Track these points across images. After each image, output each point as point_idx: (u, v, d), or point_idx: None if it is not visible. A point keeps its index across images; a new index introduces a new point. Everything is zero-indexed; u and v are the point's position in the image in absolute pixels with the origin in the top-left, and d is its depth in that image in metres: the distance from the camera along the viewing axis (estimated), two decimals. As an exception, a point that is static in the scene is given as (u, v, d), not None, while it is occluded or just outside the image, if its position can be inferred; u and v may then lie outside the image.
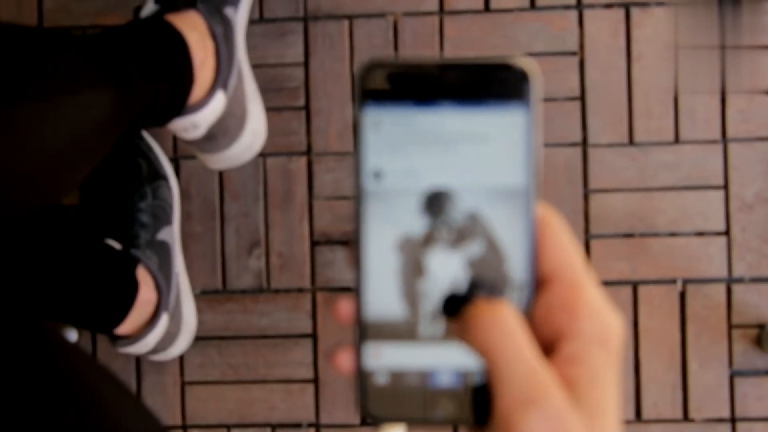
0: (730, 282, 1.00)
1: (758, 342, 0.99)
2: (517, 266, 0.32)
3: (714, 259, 0.99)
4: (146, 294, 0.92)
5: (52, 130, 0.62)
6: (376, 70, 0.33)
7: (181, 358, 1.03)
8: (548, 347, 0.32)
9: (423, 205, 0.33)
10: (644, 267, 1.00)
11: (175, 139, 1.03)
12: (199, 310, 1.03)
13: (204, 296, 1.03)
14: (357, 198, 0.33)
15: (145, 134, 1.00)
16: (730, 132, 0.99)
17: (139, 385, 1.04)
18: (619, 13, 1.00)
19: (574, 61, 1.00)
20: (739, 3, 0.97)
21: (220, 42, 0.84)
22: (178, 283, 0.98)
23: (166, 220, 0.98)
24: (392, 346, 0.33)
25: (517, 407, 0.30)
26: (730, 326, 0.99)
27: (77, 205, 1.01)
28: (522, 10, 1.01)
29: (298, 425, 1.02)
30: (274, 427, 1.03)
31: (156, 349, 0.97)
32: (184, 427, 1.03)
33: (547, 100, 1.00)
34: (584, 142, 1.00)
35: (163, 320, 0.94)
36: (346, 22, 1.02)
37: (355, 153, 0.33)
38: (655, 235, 1.00)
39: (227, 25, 0.87)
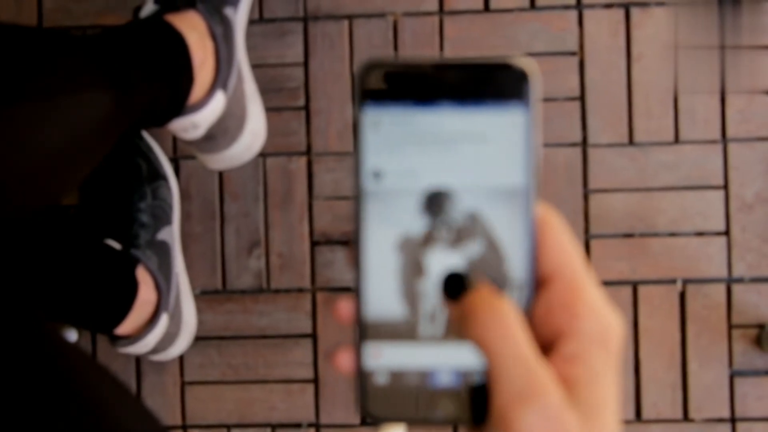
0: (730, 282, 1.00)
1: (758, 342, 0.99)
2: (516, 266, 0.32)
3: (714, 259, 0.99)
4: (146, 294, 0.92)
5: (52, 130, 0.62)
6: (376, 70, 0.33)
7: (181, 358, 1.03)
8: (548, 347, 0.32)
9: (422, 204, 0.33)
10: (644, 267, 1.00)
11: (174, 139, 1.03)
12: (199, 310, 1.03)
13: (204, 296, 1.03)
14: (356, 198, 0.33)
15: (145, 134, 1.00)
16: (730, 132, 0.99)
17: (139, 385, 1.04)
18: (618, 13, 1.00)
19: (574, 61, 1.00)
20: (739, 3, 0.97)
21: (220, 42, 0.84)
22: (178, 283, 0.98)
23: (166, 220, 0.98)
24: (392, 346, 0.33)
25: (514, 403, 0.30)
26: (730, 326, 0.99)
27: (77, 205, 1.01)
28: (522, 10, 1.01)
29: (298, 425, 1.02)
30: (274, 427, 1.03)
31: (156, 349, 0.97)
32: (184, 427, 1.03)
33: (546, 100, 1.00)
34: (584, 142, 1.00)
35: (163, 320, 0.94)
36: (345, 22, 1.02)
37: (354, 153, 0.33)
38: (655, 235, 1.00)
39: (227, 25, 0.87)
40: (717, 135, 1.00)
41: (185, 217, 1.03)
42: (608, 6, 1.00)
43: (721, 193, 1.00)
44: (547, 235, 0.33)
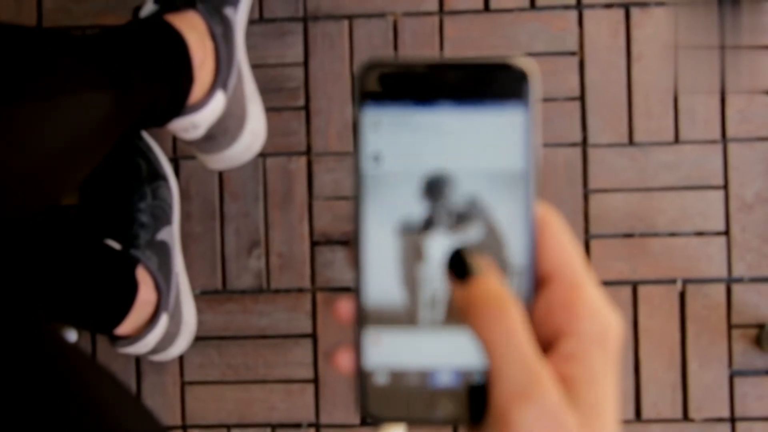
0: (729, 282, 1.00)
1: (758, 342, 0.99)
2: (516, 252, 0.32)
3: (714, 259, 0.99)
4: (146, 294, 0.92)
5: (52, 130, 0.62)
6: (376, 70, 0.33)
7: (181, 359, 1.03)
8: (547, 346, 0.32)
9: (422, 189, 0.33)
10: (644, 267, 1.00)
11: (174, 139, 1.03)
12: (199, 311, 1.03)
13: (204, 296, 1.03)
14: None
15: (145, 134, 1.00)
16: (730, 132, 0.99)
17: (138, 385, 1.04)
18: (618, 13, 1.00)
19: (574, 61, 1.00)
20: (739, 3, 0.97)
21: (220, 42, 0.84)
22: (178, 283, 0.98)
23: (166, 221, 0.98)
24: (392, 332, 0.33)
25: (513, 402, 0.30)
26: (730, 326, 0.99)
27: (77, 205, 1.01)
28: (522, 10, 1.01)
29: (298, 425, 1.02)
30: (274, 427, 1.03)
31: (156, 350, 0.97)
32: (184, 427, 1.03)
33: (546, 100, 1.00)
34: (584, 142, 1.00)
35: (163, 320, 0.94)
36: (345, 22, 1.02)
37: (354, 153, 0.33)
38: (655, 235, 1.00)
39: (227, 26, 0.87)
40: (717, 135, 1.00)
41: (185, 217, 1.03)
42: (608, 6, 1.00)
43: (721, 193, 1.00)
44: (547, 235, 0.33)
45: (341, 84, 1.02)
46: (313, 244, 1.02)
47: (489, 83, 0.32)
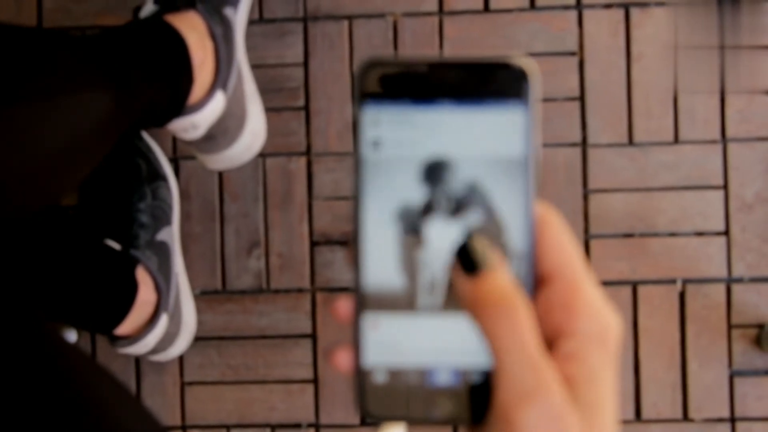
0: (729, 282, 1.00)
1: (758, 342, 0.99)
2: (516, 238, 0.32)
3: (714, 259, 0.99)
4: (146, 294, 0.92)
5: (52, 130, 0.62)
6: (376, 69, 0.33)
7: (181, 359, 1.03)
8: (547, 345, 0.32)
9: (422, 174, 0.33)
10: (644, 267, 1.00)
11: (174, 139, 1.03)
12: (199, 311, 1.03)
13: (203, 296, 1.03)
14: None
15: (145, 135, 1.00)
16: (730, 132, 0.99)
17: (138, 385, 1.04)
18: (618, 14, 1.00)
19: (574, 61, 1.00)
20: (739, 3, 0.97)
21: (220, 42, 0.84)
22: (178, 283, 0.98)
23: (166, 221, 0.98)
24: (390, 317, 0.33)
25: (517, 401, 0.30)
26: (730, 326, 0.99)
27: (77, 205, 1.01)
28: (521, 10, 1.01)
29: (297, 425, 1.02)
30: (273, 427, 1.03)
31: (155, 350, 0.97)
32: (184, 427, 1.03)
33: (546, 100, 1.00)
34: (584, 142, 1.00)
35: (163, 321, 0.94)
36: (345, 23, 1.02)
37: (354, 153, 0.33)
38: (655, 235, 1.00)
39: (227, 26, 0.87)
40: (717, 135, 1.00)
41: (185, 217, 1.03)
42: (608, 6, 1.01)
43: (720, 193, 1.00)
44: (546, 235, 0.33)
45: (341, 84, 1.02)
46: (313, 244, 1.02)
47: (489, 82, 0.32)
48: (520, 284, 0.32)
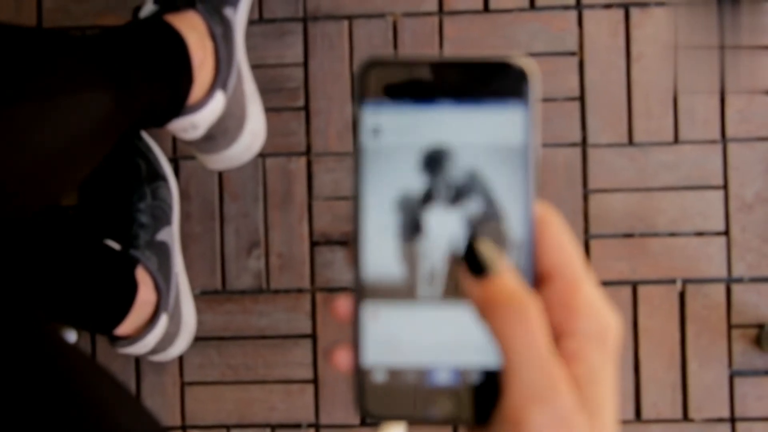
0: (729, 282, 1.00)
1: (758, 342, 0.99)
2: (516, 226, 0.32)
3: (714, 259, 0.99)
4: (145, 294, 0.92)
5: (52, 130, 0.62)
6: (376, 68, 0.33)
7: (181, 359, 1.03)
8: (548, 345, 0.32)
9: (421, 163, 0.32)
10: (644, 267, 1.00)
11: (174, 139, 1.03)
12: (199, 311, 1.03)
13: (203, 297, 1.03)
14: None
15: (145, 135, 1.00)
16: (730, 132, 0.99)
17: (138, 385, 1.04)
18: (618, 14, 1.00)
19: (574, 61, 1.00)
20: (739, 3, 0.97)
21: (220, 42, 0.84)
22: (178, 283, 0.98)
23: (166, 221, 0.98)
24: (390, 307, 0.33)
25: (527, 402, 0.30)
26: (730, 326, 0.99)
27: (76, 205, 1.01)
28: (521, 10, 1.01)
29: (297, 426, 1.02)
30: (273, 427, 1.03)
31: (155, 350, 0.97)
32: (184, 427, 1.03)
33: (546, 100, 1.00)
34: (584, 143, 1.00)
35: (163, 321, 0.94)
36: (345, 23, 1.02)
37: (354, 153, 0.33)
38: (655, 235, 1.00)
39: (226, 26, 0.87)
40: (717, 135, 1.00)
41: (185, 217, 1.03)
42: (608, 6, 1.01)
43: (720, 193, 1.00)
44: (546, 234, 0.33)
45: (341, 84, 1.02)
46: (313, 244, 1.02)
47: (489, 82, 0.32)
48: (521, 269, 0.32)
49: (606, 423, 0.31)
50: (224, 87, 0.85)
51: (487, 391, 0.32)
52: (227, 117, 0.87)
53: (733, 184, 0.99)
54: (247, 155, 0.95)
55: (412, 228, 0.33)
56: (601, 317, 0.32)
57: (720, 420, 0.99)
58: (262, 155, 1.01)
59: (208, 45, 0.83)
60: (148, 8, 0.84)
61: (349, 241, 0.33)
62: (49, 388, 0.54)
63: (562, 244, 0.33)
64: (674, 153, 1.00)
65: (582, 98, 1.00)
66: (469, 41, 1.01)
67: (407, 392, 0.33)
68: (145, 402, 1.03)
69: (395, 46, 1.01)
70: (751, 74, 0.99)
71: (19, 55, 0.63)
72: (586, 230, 1.00)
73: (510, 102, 0.32)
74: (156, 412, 0.78)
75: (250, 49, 0.98)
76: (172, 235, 0.98)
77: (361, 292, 0.33)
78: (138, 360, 1.04)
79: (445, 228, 0.32)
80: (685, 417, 1.00)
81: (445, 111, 0.32)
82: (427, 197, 0.32)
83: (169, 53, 0.77)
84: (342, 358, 0.33)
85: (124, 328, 0.91)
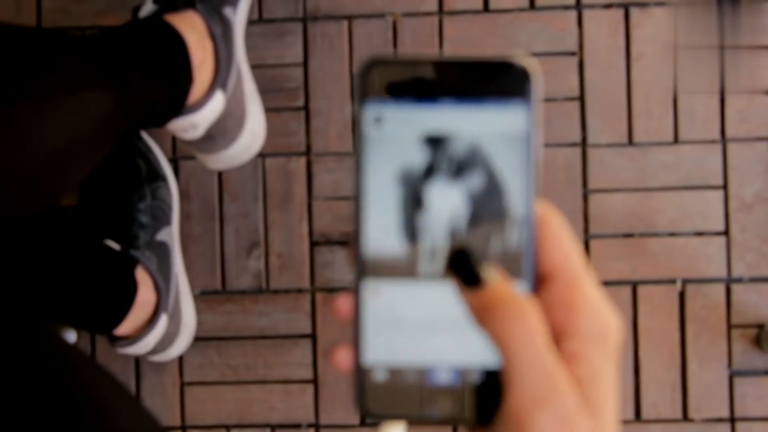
0: (729, 282, 1.00)
1: (757, 342, 0.99)
2: (517, 202, 0.32)
3: (713, 259, 0.99)
4: (145, 295, 0.92)
5: (52, 130, 0.62)
6: (378, 68, 0.32)
7: (181, 359, 1.03)
8: (549, 345, 0.32)
9: (423, 140, 0.32)
10: (644, 267, 1.00)
11: (174, 139, 1.03)
12: (199, 311, 1.03)
13: (203, 297, 1.03)
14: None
15: (144, 135, 1.00)
16: (730, 132, 0.99)
17: (138, 385, 1.04)
18: (618, 14, 1.00)
19: (574, 61, 1.00)
20: (739, 3, 0.97)
21: (219, 42, 0.84)
22: (178, 283, 0.98)
23: (166, 221, 0.98)
24: (391, 284, 0.33)
25: (530, 405, 0.30)
26: (730, 326, 0.99)
27: (76, 205, 1.01)
28: (521, 10, 1.01)
29: (297, 426, 1.02)
30: (273, 427, 1.03)
31: (155, 350, 0.96)
32: (184, 427, 1.03)
33: (546, 100, 1.00)
34: (583, 143, 1.00)
35: (163, 321, 0.94)
36: (345, 23, 1.02)
37: (355, 153, 0.33)
38: (655, 235, 1.00)
39: (226, 26, 0.87)
40: (716, 135, 1.00)
41: (185, 217, 1.03)
42: (608, 6, 1.01)
43: (720, 193, 1.00)
44: (547, 233, 0.33)
45: (341, 84, 1.02)
46: (313, 244, 1.02)
47: (491, 81, 0.32)
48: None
49: (607, 423, 0.31)
50: (224, 87, 0.85)
51: (487, 391, 0.32)
52: (227, 117, 0.87)
53: (732, 184, 0.99)
54: (247, 155, 0.94)
55: (413, 202, 0.32)
56: (601, 317, 0.32)
57: (720, 420, 0.99)
58: (262, 155, 1.01)
59: (208, 45, 0.83)
60: (147, 8, 0.84)
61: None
62: (49, 388, 0.54)
63: (563, 243, 0.33)
64: (674, 153, 1.00)
65: (582, 98, 1.00)
66: (469, 41, 1.01)
67: (408, 391, 0.33)
68: (145, 402, 1.03)
69: (395, 46, 1.01)
70: (751, 74, 0.99)
71: (19, 55, 0.63)
72: (586, 230, 1.00)
73: (512, 101, 0.32)
74: (156, 412, 0.78)
75: (249, 49, 0.98)
76: (171, 235, 0.98)
77: (362, 269, 0.33)
78: (138, 360, 1.04)
79: (447, 202, 0.32)
80: (685, 417, 1.00)
81: (447, 110, 0.32)
82: (429, 171, 0.32)
83: (168, 53, 0.77)
84: (342, 358, 0.33)
85: (124, 329, 0.91)
